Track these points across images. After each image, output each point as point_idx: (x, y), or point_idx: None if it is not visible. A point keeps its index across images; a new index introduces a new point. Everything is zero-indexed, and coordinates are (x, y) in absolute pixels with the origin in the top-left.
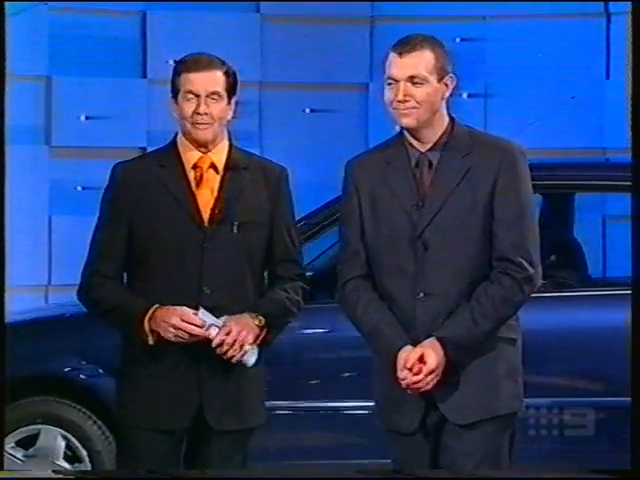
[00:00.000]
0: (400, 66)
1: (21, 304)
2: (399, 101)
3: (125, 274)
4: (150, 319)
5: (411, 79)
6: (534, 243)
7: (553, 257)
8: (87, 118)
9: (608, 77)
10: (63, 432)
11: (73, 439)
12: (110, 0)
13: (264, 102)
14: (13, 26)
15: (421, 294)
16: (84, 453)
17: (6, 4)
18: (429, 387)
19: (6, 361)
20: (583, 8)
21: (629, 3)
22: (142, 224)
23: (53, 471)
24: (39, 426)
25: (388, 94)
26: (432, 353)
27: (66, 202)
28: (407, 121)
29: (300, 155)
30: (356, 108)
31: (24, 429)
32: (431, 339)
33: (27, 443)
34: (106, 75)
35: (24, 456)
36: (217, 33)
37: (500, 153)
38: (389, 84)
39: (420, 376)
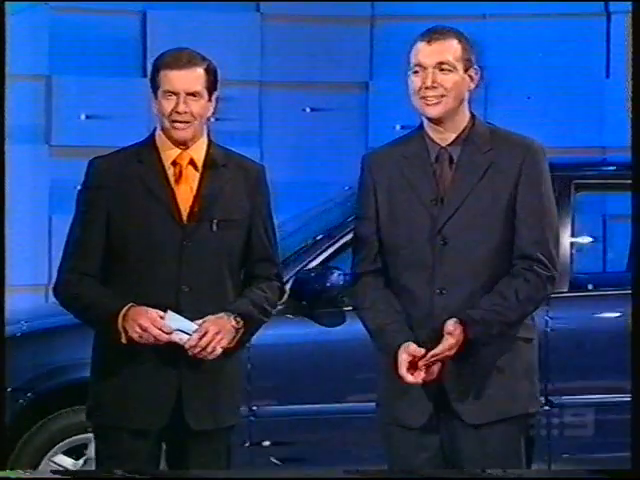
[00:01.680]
0: (429, 53)
1: (21, 303)
2: (427, 88)
3: (103, 270)
4: (123, 317)
5: (440, 65)
6: (554, 241)
7: None
8: (87, 117)
9: (608, 76)
10: None
11: None
12: (110, 0)
13: (264, 101)
14: (13, 25)
15: (439, 289)
16: None
17: (6, 4)
18: (433, 375)
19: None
20: (583, 7)
21: (629, 3)
22: (120, 220)
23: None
24: (89, 435)
25: (415, 82)
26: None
27: (66, 202)
28: (434, 110)
29: (300, 154)
30: (356, 107)
31: (73, 438)
32: (452, 320)
33: (74, 452)
34: (106, 74)
35: (73, 466)
36: (217, 32)
37: (522, 150)
38: (416, 72)
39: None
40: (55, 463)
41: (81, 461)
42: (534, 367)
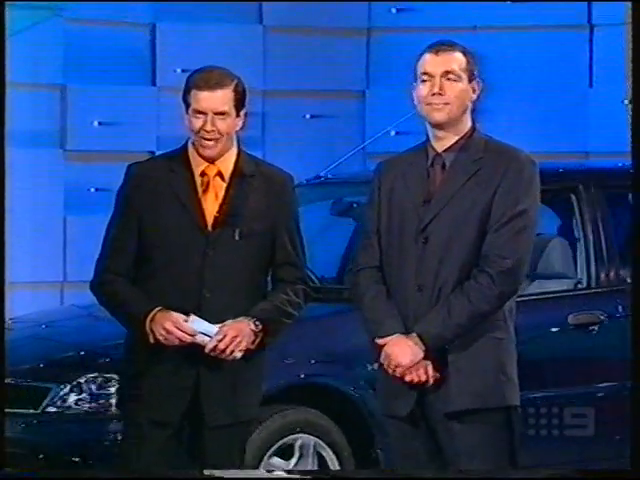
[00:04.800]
0: (436, 63)
1: (37, 299)
2: (433, 94)
3: (135, 270)
4: (151, 320)
5: (446, 74)
6: (523, 245)
7: None
8: (100, 124)
9: (591, 85)
10: (314, 439)
11: (324, 445)
12: (117, 0)
13: (267, 108)
14: (30, 37)
15: (418, 286)
16: (334, 459)
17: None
18: (417, 377)
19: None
20: (568, 20)
21: (612, 15)
22: (150, 225)
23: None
24: (296, 435)
25: (422, 90)
26: (402, 349)
27: (80, 203)
28: (439, 116)
29: (301, 158)
30: (354, 114)
31: (285, 439)
32: (411, 335)
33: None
34: (118, 83)
35: (286, 466)
36: (222, 43)
37: (507, 159)
38: (423, 80)
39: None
40: (270, 464)
41: (293, 461)
42: (507, 363)
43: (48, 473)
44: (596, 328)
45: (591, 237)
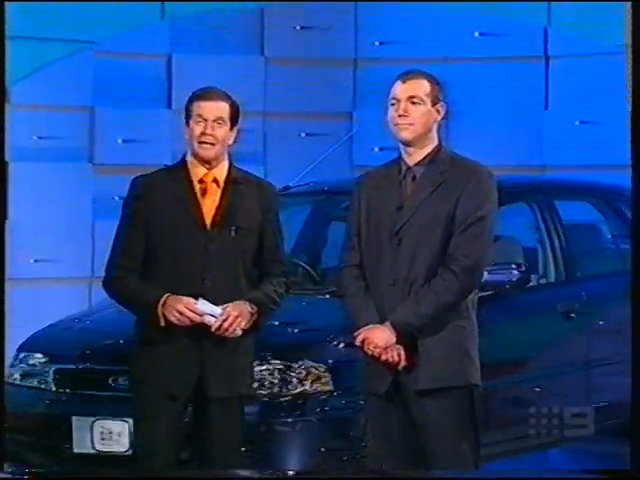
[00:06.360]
0: (402, 89)
1: (68, 292)
2: (399, 116)
3: (143, 267)
4: (162, 305)
5: (410, 99)
6: (481, 246)
7: None
8: (123, 141)
9: (546, 108)
10: None
11: None
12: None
13: (267, 128)
14: (65, 66)
15: (392, 280)
16: None
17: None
18: (391, 358)
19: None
20: (527, 52)
21: (565, 47)
22: (156, 226)
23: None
24: None
25: (391, 113)
26: (378, 334)
27: (106, 210)
28: (405, 135)
29: (297, 172)
30: (342, 132)
31: None
32: (386, 323)
33: None
34: (139, 106)
35: None
36: (229, 71)
37: (470, 172)
38: (392, 104)
39: (370, 349)
40: None
41: None
42: (469, 348)
43: (48, 473)
44: (574, 315)
45: (555, 238)
